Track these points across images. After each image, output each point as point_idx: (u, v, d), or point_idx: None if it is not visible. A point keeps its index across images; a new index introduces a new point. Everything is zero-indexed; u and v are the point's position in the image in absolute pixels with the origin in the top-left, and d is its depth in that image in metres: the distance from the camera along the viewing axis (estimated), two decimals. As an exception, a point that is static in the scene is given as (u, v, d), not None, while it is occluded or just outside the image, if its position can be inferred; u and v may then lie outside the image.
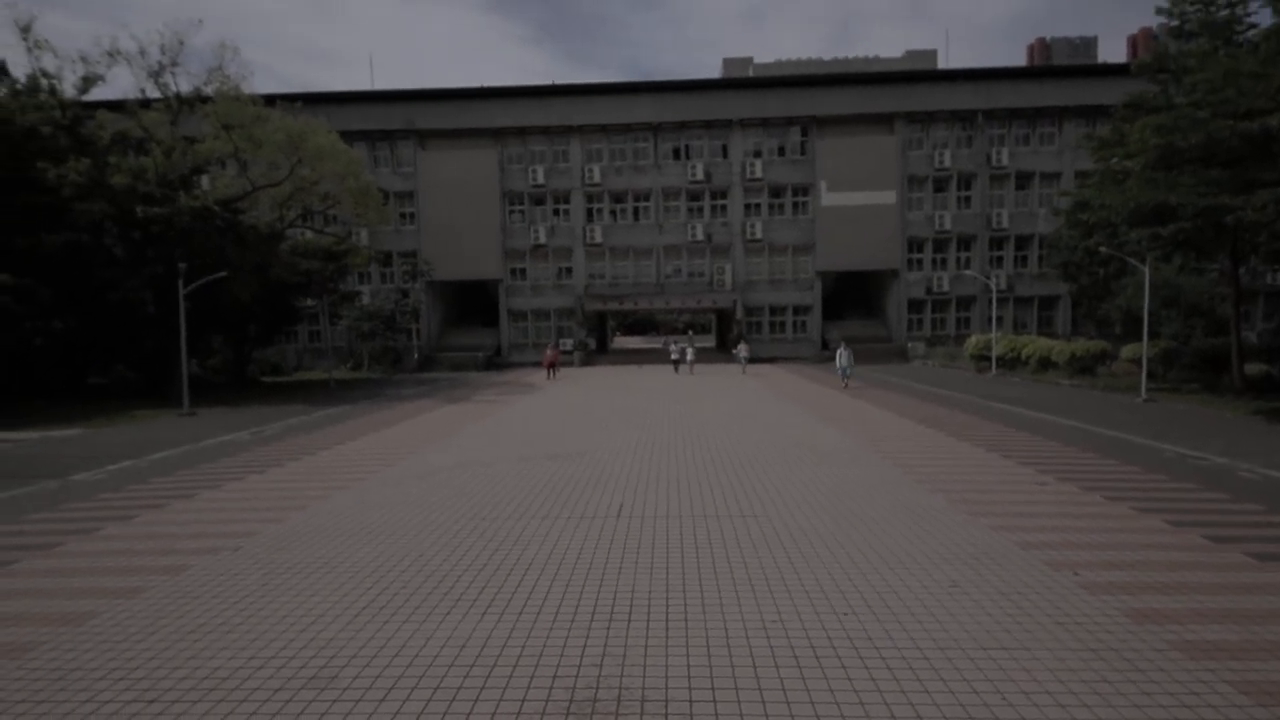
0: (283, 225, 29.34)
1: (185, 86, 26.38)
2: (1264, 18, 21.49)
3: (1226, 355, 23.32)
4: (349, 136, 39.06)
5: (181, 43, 25.52)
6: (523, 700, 4.44)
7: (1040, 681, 4.61)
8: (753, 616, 5.66)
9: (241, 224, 26.29)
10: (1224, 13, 19.64)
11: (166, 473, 12.37)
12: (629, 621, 5.61)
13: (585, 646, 5.18)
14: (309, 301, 36.12)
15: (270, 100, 28.19)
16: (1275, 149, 16.62)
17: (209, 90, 26.26)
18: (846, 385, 25.11)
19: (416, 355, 41.30)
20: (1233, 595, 6.09)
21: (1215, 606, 5.85)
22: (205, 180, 30.41)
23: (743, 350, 35.65)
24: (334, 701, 4.47)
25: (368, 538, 8.09)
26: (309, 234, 34.28)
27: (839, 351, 25.19)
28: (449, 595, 6.27)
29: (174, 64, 25.82)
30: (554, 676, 4.74)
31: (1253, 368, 23.86)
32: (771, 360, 40.87)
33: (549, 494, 10.06)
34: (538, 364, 40.90)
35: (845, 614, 5.70)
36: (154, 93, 26.46)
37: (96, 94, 25.96)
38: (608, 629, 5.48)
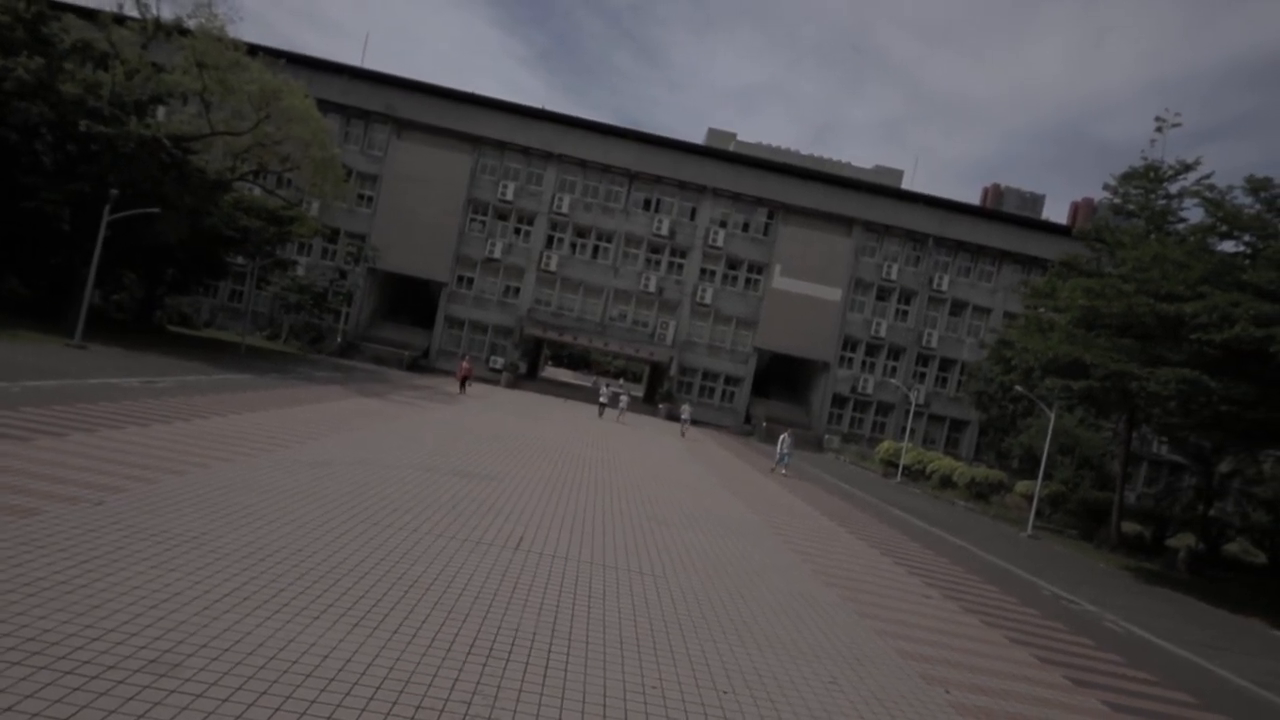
0: (232, 176, 28.11)
1: (167, 13, 25.37)
2: (1195, 215, 23.80)
3: (1108, 509, 24.89)
4: (326, 106, 38.04)
5: (173, -32, 24.58)
6: (379, 725, 4.16)
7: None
8: (633, 678, 5.53)
9: (189, 164, 25.03)
10: (1161, 202, 21.65)
11: (39, 403, 11.36)
12: (507, 661, 5.39)
13: (457, 680, 4.93)
14: (239, 259, 34.50)
15: (253, 50, 27.30)
16: (1183, 333, 18.14)
17: (191, 24, 25.25)
18: (775, 471, 24.14)
19: (340, 339, 39.81)
20: (1085, 741, 6.33)
21: (1068, 750, 6.06)
22: (161, 111, 28.96)
23: (685, 411, 33.79)
24: (171, 692, 4.07)
25: (244, 518, 7.57)
26: (258, 191, 32.95)
27: (782, 438, 24.59)
28: (322, 598, 5.89)
29: (160, -12, 24.79)
30: (418, 706, 4.47)
31: (1128, 526, 25.52)
32: (695, 423, 41.20)
33: (449, 511, 9.70)
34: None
35: (725, 692, 5.63)
36: (131, 10, 25.27)
37: (67, -4, 24.60)
38: (483, 665, 5.24)
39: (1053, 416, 23.78)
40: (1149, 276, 18.77)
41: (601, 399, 34.49)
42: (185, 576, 5.74)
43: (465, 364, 31.94)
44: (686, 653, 6.32)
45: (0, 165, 21.94)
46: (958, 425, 43.89)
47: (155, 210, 22.31)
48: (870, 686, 6.43)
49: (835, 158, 51.21)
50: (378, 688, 4.59)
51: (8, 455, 8.19)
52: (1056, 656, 8.84)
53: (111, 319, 30.08)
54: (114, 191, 20.60)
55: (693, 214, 43.03)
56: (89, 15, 24.87)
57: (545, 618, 6.46)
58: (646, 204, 43.02)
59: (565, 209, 41.94)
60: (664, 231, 42.22)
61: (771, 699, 5.70)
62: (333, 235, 41.23)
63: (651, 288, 42.16)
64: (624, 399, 34.98)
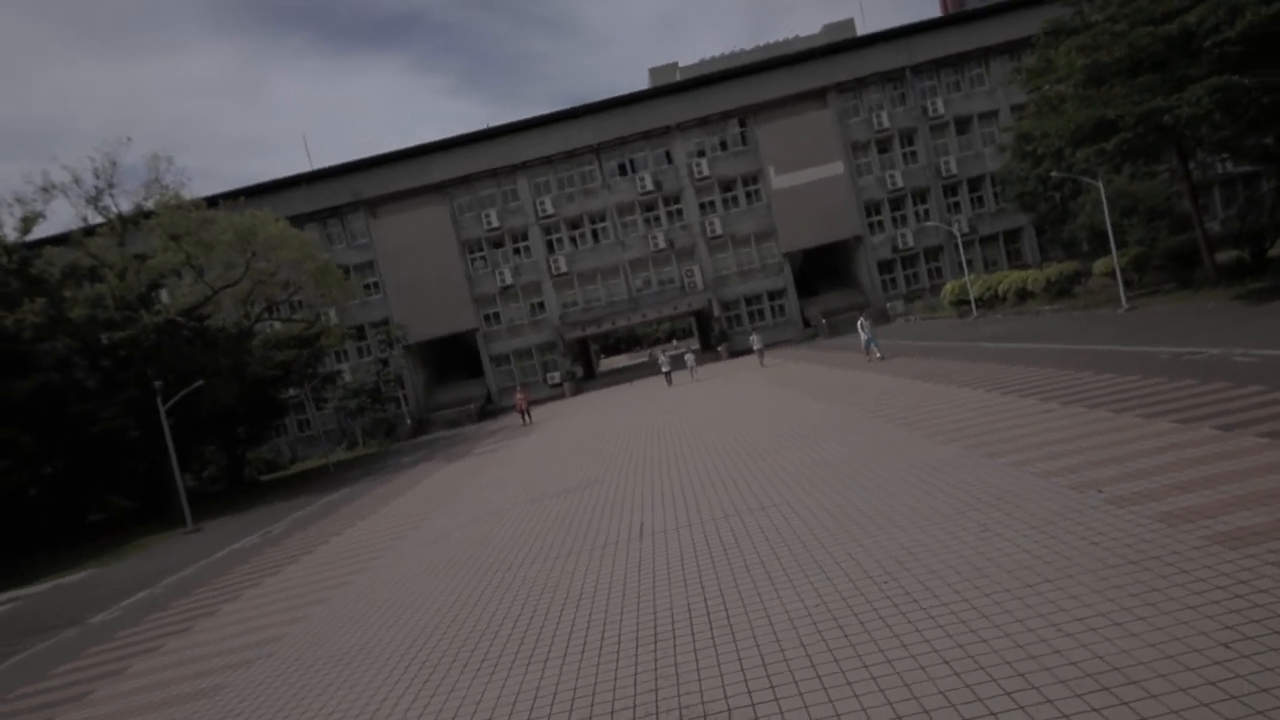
0: (250, 322, 29.16)
1: (126, 205, 26.32)
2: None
3: (1196, 250, 23.61)
4: (298, 220, 38.97)
5: (114, 163, 25.47)
6: (585, 741, 4.35)
7: (1090, 604, 4.58)
8: (806, 593, 5.60)
9: (208, 329, 26.10)
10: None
11: (184, 594, 12.14)
12: (674, 641, 5.53)
13: (636, 672, 5.09)
14: (291, 391, 35.83)
15: (213, 201, 28.13)
16: (1195, 45, 16.93)
17: (150, 204, 26.18)
18: (870, 359, 22.27)
19: (409, 421, 41.02)
20: (1255, 479, 6.10)
21: (1242, 493, 5.86)
22: (164, 294, 30.23)
23: (756, 340, 32.04)
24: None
25: (396, 614, 7.95)
26: (278, 325, 34.09)
27: (860, 323, 23.40)
28: (489, 655, 6.16)
29: (110, 185, 25.75)
30: (613, 699, 4.65)
31: (1223, 255, 24.16)
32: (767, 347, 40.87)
33: (562, 529, 9.94)
34: (532, 403, 40.66)
35: (885, 582, 5.65)
36: (96, 218, 26.35)
37: (39, 231, 25.83)
38: (654, 652, 5.40)
39: (1101, 186, 22.59)
40: (1139, 5, 17.55)
41: (664, 368, 32.84)
42: (366, 687, 6.08)
43: (520, 395, 31.54)
44: (834, 560, 6.35)
45: (54, 406, 23.32)
46: (1012, 236, 42.20)
47: (199, 383, 23.37)
48: (1022, 519, 6.33)
49: (780, 38, 49.37)
50: (572, 701, 4.79)
51: (178, 649, 8.80)
52: (1197, 412, 8.51)
53: (210, 493, 31.79)
54: (157, 383, 21.65)
55: (669, 157, 42.33)
56: (62, 240, 26.03)
57: (693, 588, 6.59)
58: (622, 169, 42.54)
59: (550, 209, 41.87)
60: (649, 187, 41.70)
61: (931, 569, 5.68)
62: (359, 333, 42.34)
63: (661, 244, 41.82)
64: (689, 357, 33.46)
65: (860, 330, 23.25)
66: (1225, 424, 7.80)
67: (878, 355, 22.24)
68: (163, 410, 21.61)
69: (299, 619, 8.69)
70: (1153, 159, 24.22)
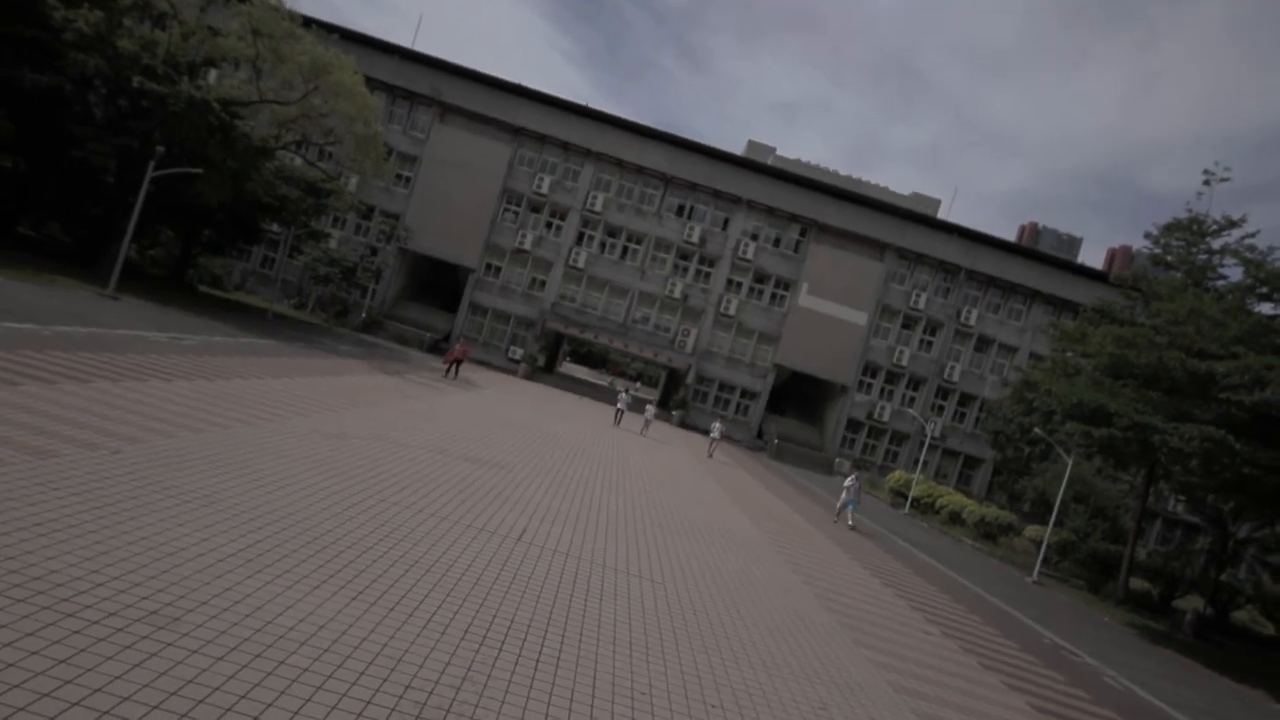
0: (276, 144, 28.49)
1: (228, -20, 25.75)
2: (1235, 273, 23.32)
3: (1117, 563, 24.43)
4: (373, 84, 38.46)
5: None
6: (366, 702, 4.17)
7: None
8: (640, 679, 5.50)
9: (235, 128, 25.41)
10: (1202, 257, 21.26)
11: (68, 349, 11.58)
12: (500, 650, 5.39)
13: (448, 664, 4.93)
14: (275, 227, 34.93)
15: (308, 23, 27.66)
16: (1212, 391, 17.78)
17: (250, -9, 25.66)
18: (838, 522, 20.06)
19: (365, 314, 40.18)
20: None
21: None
22: (213, 75, 29.45)
23: (716, 429, 29.00)
24: (167, 645, 4.12)
25: (257, 482, 7.65)
26: (299, 161, 33.35)
27: (848, 483, 20.19)
28: (324, 568, 5.93)
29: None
30: (407, 686, 4.48)
31: (1137, 582, 25.03)
32: (706, 433, 41.06)
33: (456, 495, 9.74)
34: (483, 364, 40.20)
35: (713, 706, 5.59)
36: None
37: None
38: (475, 651, 5.24)
39: (1070, 463, 23.39)
40: (1183, 331, 18.43)
41: (619, 404, 30.01)
42: (194, 533, 5.81)
43: (460, 345, 28.81)
44: (679, 665, 6.28)
45: (53, 114, 22.41)
46: (972, 462, 43.34)
47: (198, 171, 22.69)
48: (860, 716, 6.35)
49: (873, 180, 50.87)
50: (370, 663, 4.61)
51: (31, 396, 8.34)
52: (1052, 707, 8.68)
53: (145, 273, 30.59)
54: (160, 149, 20.97)
55: (725, 224, 42.92)
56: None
57: (543, 607, 6.46)
58: (679, 210, 42.98)
59: (599, 207, 42.02)
60: (694, 239, 42.15)
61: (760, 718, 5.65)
62: (368, 212, 41.64)
63: (677, 294, 42.11)
64: (650, 409, 30.28)
65: (845, 489, 20.39)
66: (1056, 716, 7.96)
67: (849, 523, 19.89)
68: (150, 173, 20.90)
69: (165, 435, 8.30)
70: (1123, 466, 25.19)
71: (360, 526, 7.24)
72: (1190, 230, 21.50)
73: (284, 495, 7.47)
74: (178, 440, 8.30)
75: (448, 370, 28.53)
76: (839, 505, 20.72)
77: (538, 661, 5.40)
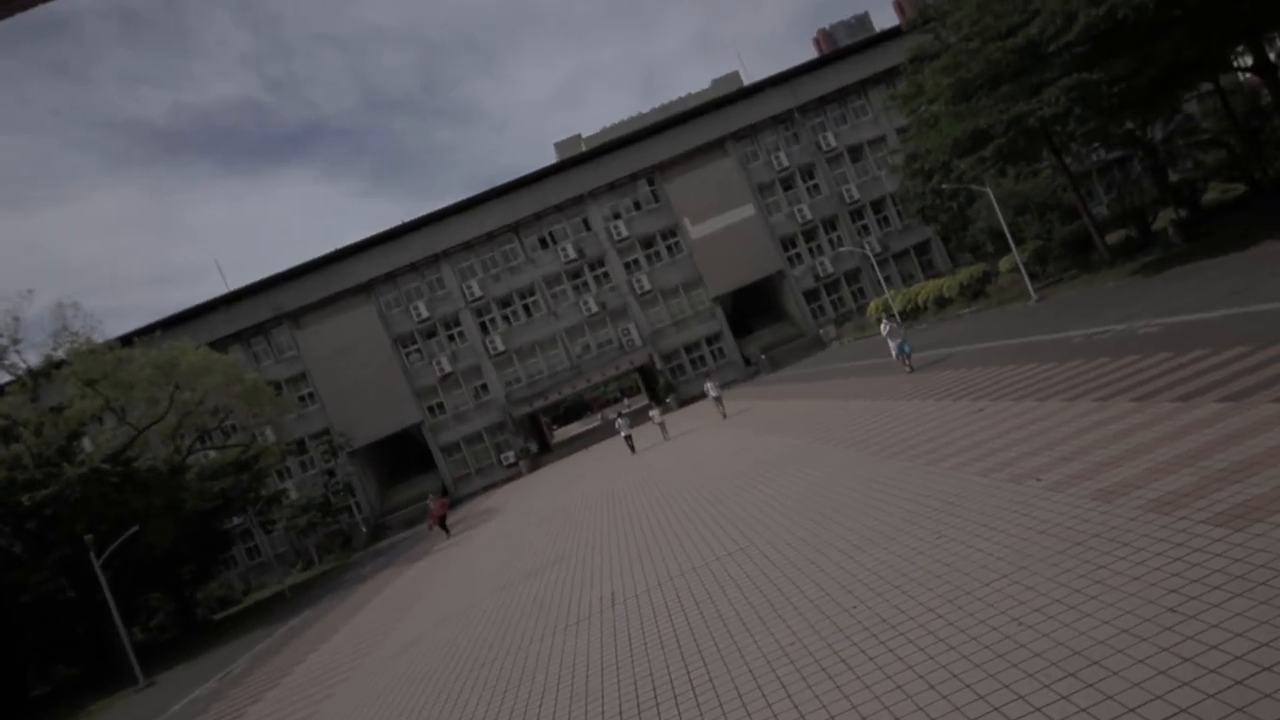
0: (181, 456, 27.91)
1: (35, 359, 25.26)
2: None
3: (1088, 236, 25.27)
4: (221, 344, 38.02)
5: (17, 319, 24.43)
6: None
7: (1046, 593, 4.73)
8: (779, 636, 5.58)
9: (137, 471, 24.82)
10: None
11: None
12: (657, 708, 5.43)
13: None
14: (235, 520, 34.21)
15: (128, 340, 27.20)
16: (1043, 52, 18.53)
17: (61, 353, 25.14)
18: (910, 369, 18.07)
19: (364, 529, 39.52)
20: (1173, 443, 6.48)
21: (1165, 458, 6.20)
22: (86, 442, 28.69)
23: (712, 387, 26.52)
24: None
25: (373, 736, 7.54)
26: (212, 453, 32.74)
27: (887, 330, 18.61)
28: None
29: (15, 341, 24.65)
30: None
31: (1114, 236, 25.94)
32: (705, 396, 41.27)
33: (537, 609, 9.69)
34: (489, 488, 39.88)
35: (853, 608, 5.71)
36: (4, 377, 25.13)
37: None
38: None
39: (990, 191, 24.12)
40: (985, 24, 19.15)
41: (622, 431, 27.33)
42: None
43: (433, 503, 26.51)
44: (800, 589, 6.38)
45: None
46: (922, 249, 44.23)
47: (134, 529, 22.11)
48: (972, 519, 6.52)
49: (675, 97, 51.66)
50: None
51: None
52: (1114, 388, 9.00)
53: (161, 643, 29.70)
54: (88, 538, 20.38)
55: (586, 224, 43.19)
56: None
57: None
58: (542, 242, 43.13)
59: (478, 291, 41.95)
60: (572, 255, 42.34)
61: (894, 585, 5.78)
62: (300, 446, 40.94)
63: (593, 308, 42.25)
64: (653, 413, 28.00)
65: (887, 339, 18.68)
66: (1141, 394, 8.27)
67: (906, 367, 18.12)
68: (97, 565, 20.29)
69: (269, 764, 8.14)
70: (1031, 159, 26.05)
71: (471, 695, 7.19)
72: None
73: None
74: (284, 758, 8.12)
75: (431, 528, 26.77)
76: (894, 354, 18.48)
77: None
